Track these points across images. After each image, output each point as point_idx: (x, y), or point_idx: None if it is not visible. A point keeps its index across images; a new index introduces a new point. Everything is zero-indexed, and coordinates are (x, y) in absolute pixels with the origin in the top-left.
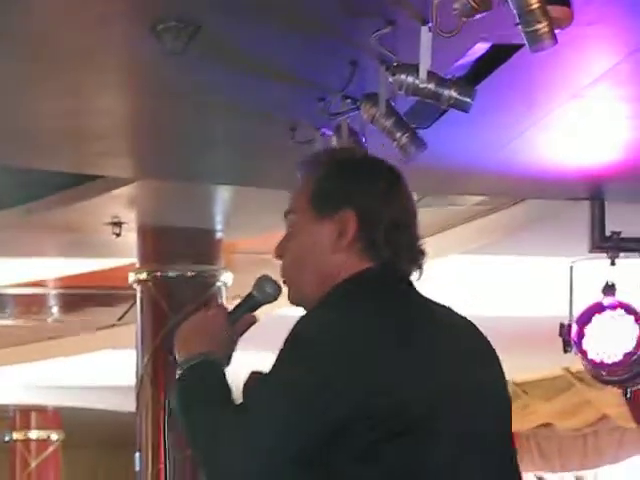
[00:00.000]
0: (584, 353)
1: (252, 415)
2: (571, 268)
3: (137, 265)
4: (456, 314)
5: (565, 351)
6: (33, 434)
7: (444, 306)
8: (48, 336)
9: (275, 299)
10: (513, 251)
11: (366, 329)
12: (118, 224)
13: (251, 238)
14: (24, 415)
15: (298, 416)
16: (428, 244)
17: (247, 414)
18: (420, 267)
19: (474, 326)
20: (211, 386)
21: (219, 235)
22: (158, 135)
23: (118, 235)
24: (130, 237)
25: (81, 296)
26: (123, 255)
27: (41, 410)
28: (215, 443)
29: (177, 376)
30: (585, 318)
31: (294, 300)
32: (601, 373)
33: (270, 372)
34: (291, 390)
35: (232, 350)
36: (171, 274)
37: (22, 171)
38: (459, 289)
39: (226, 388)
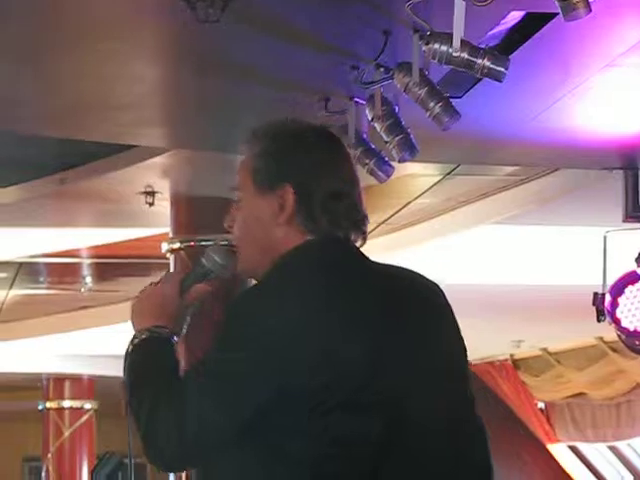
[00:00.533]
0: (618, 322)
1: (190, 385)
2: (605, 238)
3: (170, 234)
4: (411, 276)
5: (599, 320)
6: (67, 403)
7: (397, 269)
8: (81, 306)
9: (227, 269)
10: (546, 221)
11: (297, 305)
12: (151, 193)
13: None
14: (58, 384)
15: (233, 391)
16: (461, 213)
17: (186, 384)
18: (364, 234)
19: (430, 288)
20: (156, 363)
21: None
22: (191, 104)
23: (151, 204)
24: (163, 206)
25: (114, 266)
26: (156, 225)
27: (75, 379)
28: (154, 413)
29: (125, 350)
30: (619, 287)
31: (242, 271)
32: (635, 342)
33: (211, 348)
34: (226, 367)
35: (184, 320)
36: (204, 243)
37: (56, 141)
38: (492, 259)
39: (170, 364)
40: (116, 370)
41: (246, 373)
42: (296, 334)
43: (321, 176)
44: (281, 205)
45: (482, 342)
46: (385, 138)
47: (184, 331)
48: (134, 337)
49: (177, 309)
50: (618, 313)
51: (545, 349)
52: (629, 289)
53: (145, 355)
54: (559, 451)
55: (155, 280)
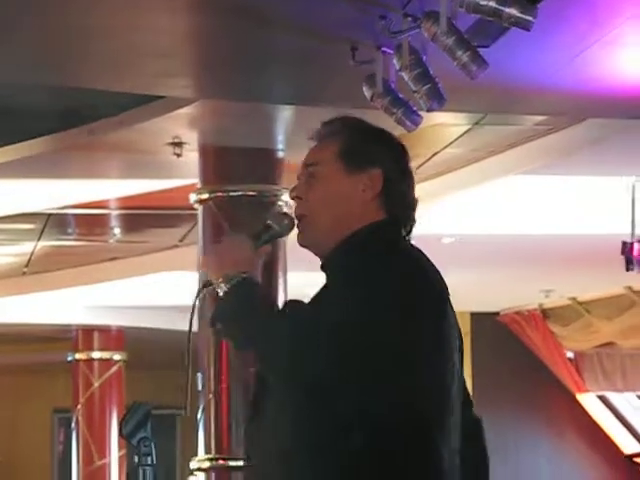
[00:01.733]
0: None
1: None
2: (633, 187)
3: (198, 185)
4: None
5: (627, 269)
6: (96, 354)
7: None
8: (110, 257)
9: (288, 233)
10: (574, 171)
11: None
12: (179, 144)
13: None
14: (87, 335)
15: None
16: (489, 163)
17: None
18: (411, 229)
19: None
20: (260, 300)
21: (280, 154)
22: (219, 54)
23: (179, 155)
24: (191, 157)
25: (143, 217)
26: (184, 176)
27: (104, 330)
28: (278, 345)
29: (221, 295)
30: None
31: (306, 240)
32: None
33: (327, 301)
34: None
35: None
36: (232, 194)
37: (84, 91)
38: (520, 209)
39: (270, 301)
40: (145, 321)
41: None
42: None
43: (401, 169)
44: (367, 186)
45: (511, 292)
46: (413, 87)
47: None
48: (225, 280)
49: (254, 264)
50: None
51: (574, 298)
52: None
53: (247, 296)
54: (588, 401)
55: (184, 230)
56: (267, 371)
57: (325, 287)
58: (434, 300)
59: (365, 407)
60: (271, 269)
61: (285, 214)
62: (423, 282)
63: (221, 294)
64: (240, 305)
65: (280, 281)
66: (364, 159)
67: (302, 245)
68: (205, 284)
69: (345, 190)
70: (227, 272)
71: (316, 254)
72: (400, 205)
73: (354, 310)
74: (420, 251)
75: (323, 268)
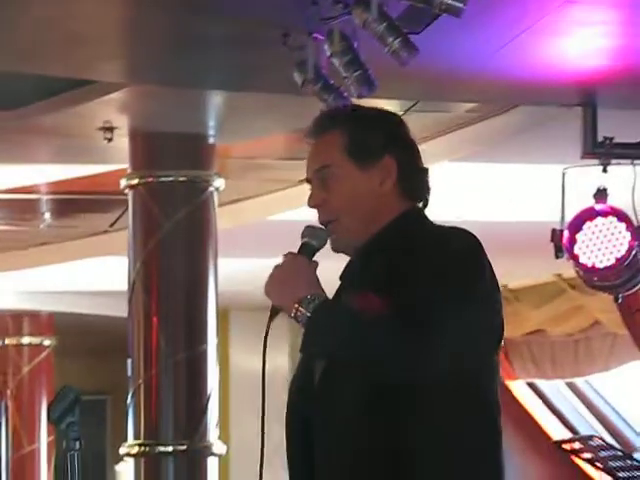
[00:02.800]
0: (576, 258)
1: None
2: (563, 174)
3: (129, 170)
4: None
5: (557, 257)
6: (26, 340)
7: None
8: (41, 242)
9: (326, 242)
10: (505, 158)
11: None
12: (110, 129)
13: (245, 143)
14: (17, 321)
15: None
16: (421, 150)
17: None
18: (427, 204)
19: None
20: (349, 311)
21: (212, 140)
22: (150, 39)
23: (110, 140)
24: (122, 142)
25: (73, 202)
26: (115, 161)
27: (34, 315)
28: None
29: (306, 318)
30: (577, 224)
31: (341, 245)
32: (592, 278)
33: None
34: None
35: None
36: (163, 179)
37: (13, 76)
38: (451, 196)
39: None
40: (75, 306)
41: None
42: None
43: (413, 152)
44: (384, 177)
45: None
46: (344, 73)
47: None
48: (304, 303)
49: (315, 281)
50: (576, 249)
51: (504, 286)
52: (587, 225)
53: (333, 311)
54: (518, 388)
55: (115, 216)
56: (383, 375)
57: (388, 276)
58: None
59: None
60: (200, 255)
61: (316, 227)
62: (484, 265)
63: (306, 317)
64: (337, 321)
65: (211, 268)
66: (372, 151)
67: (337, 251)
68: (274, 312)
69: (364, 188)
70: (301, 295)
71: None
72: (418, 184)
73: (454, 297)
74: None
75: (349, 269)
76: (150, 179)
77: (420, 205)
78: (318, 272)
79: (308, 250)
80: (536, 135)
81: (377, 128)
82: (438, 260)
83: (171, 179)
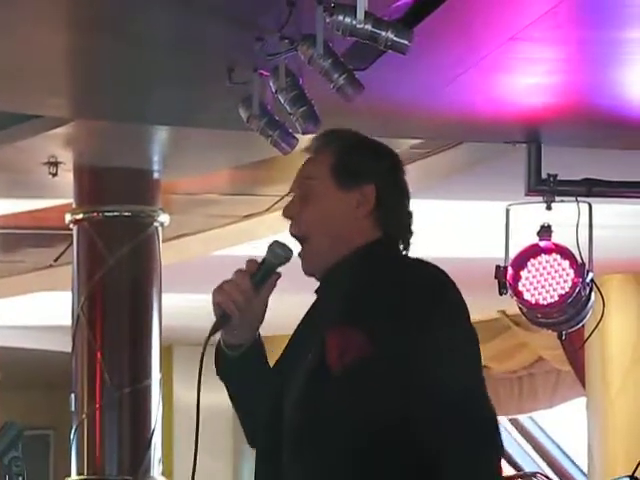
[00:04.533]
0: (519, 295)
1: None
2: (507, 211)
3: (73, 205)
4: None
5: (501, 293)
6: None
7: None
8: None
9: (288, 260)
10: (449, 195)
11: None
12: (55, 164)
13: (189, 179)
14: None
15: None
16: None
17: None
18: (409, 245)
19: None
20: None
21: (157, 175)
22: (95, 74)
23: (55, 175)
24: (67, 177)
25: (17, 236)
26: (60, 195)
27: None
28: None
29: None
30: (520, 260)
31: (310, 268)
32: (536, 315)
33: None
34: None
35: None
36: (108, 214)
37: None
38: None
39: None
40: (19, 341)
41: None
42: None
43: (394, 184)
44: (361, 202)
45: None
46: (289, 110)
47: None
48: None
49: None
50: (520, 286)
51: None
52: (531, 262)
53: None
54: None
55: (59, 250)
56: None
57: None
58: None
59: None
60: (145, 290)
61: (280, 243)
62: (459, 299)
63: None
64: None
65: (155, 303)
66: (357, 175)
67: (308, 274)
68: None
69: (339, 208)
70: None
71: (318, 280)
72: (395, 220)
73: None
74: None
75: (320, 289)
76: (95, 214)
77: (400, 244)
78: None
79: (265, 266)
80: (481, 172)
81: (368, 155)
82: (400, 299)
83: (116, 214)
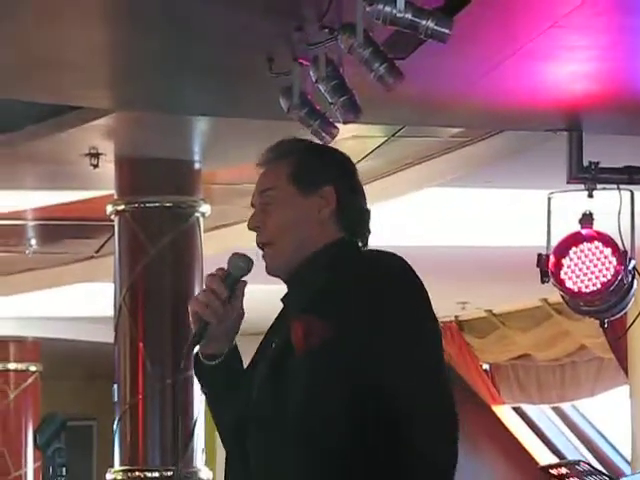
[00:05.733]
0: (561, 283)
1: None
2: (549, 199)
3: (115, 196)
4: None
5: (543, 282)
6: (12, 365)
7: None
8: (27, 268)
9: (249, 271)
10: (491, 183)
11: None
12: (96, 155)
13: (229, 169)
14: (2, 346)
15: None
16: (405, 176)
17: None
18: (367, 242)
19: None
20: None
21: (197, 166)
22: (136, 65)
23: (96, 166)
24: (108, 168)
25: (59, 228)
26: (101, 187)
27: (20, 341)
28: None
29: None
30: (562, 249)
31: (272, 269)
32: (579, 303)
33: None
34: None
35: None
36: (149, 205)
37: (1, 101)
38: (436, 221)
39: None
40: (61, 332)
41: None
42: None
43: (352, 186)
44: (322, 205)
45: None
46: (329, 99)
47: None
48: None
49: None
50: (562, 274)
51: (490, 311)
52: (573, 250)
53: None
54: (504, 413)
55: (101, 242)
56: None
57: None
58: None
59: None
60: (187, 280)
61: (239, 254)
62: (416, 283)
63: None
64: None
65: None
66: (315, 179)
67: (270, 274)
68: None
69: (302, 213)
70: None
71: (284, 281)
72: (355, 219)
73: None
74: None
75: (287, 293)
76: (136, 205)
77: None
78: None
79: (230, 279)
80: (521, 160)
81: (323, 160)
82: (369, 286)
83: (157, 205)
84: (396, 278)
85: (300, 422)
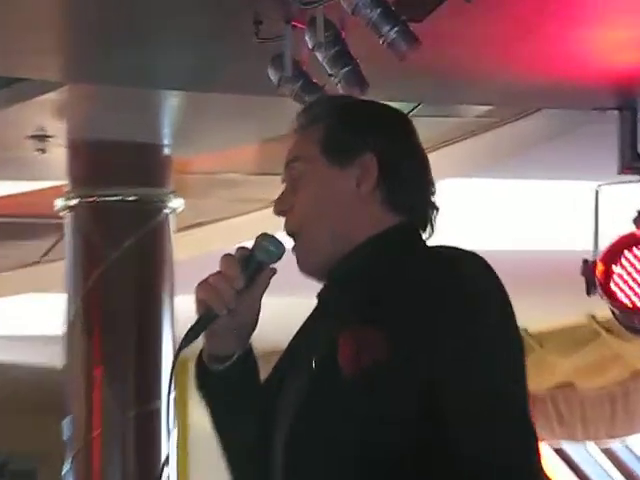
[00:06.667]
0: (612, 295)
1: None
2: (596, 193)
3: (66, 188)
4: None
5: (589, 294)
6: None
7: None
8: None
9: (279, 258)
10: (524, 174)
11: None
12: (43, 138)
13: (208, 155)
14: None
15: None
16: None
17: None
18: (433, 225)
19: None
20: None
21: (167, 151)
22: (94, 28)
23: (43, 151)
24: (58, 154)
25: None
26: (49, 176)
27: None
28: None
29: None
30: (613, 253)
31: (306, 268)
32: (632, 320)
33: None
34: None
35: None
36: (108, 199)
37: None
38: (459, 219)
39: None
40: (4, 353)
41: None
42: None
43: (404, 150)
44: (360, 178)
45: None
46: (329, 70)
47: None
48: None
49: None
50: (612, 285)
51: (525, 330)
52: (625, 256)
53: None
54: (542, 453)
55: (49, 244)
56: None
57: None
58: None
59: None
60: (154, 292)
61: (269, 235)
62: (506, 297)
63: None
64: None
65: (166, 307)
66: (352, 145)
67: (305, 273)
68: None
69: (334, 188)
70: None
71: (321, 281)
72: (409, 195)
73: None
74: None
75: (325, 292)
76: (92, 199)
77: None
78: None
79: (252, 264)
80: (562, 146)
81: (362, 120)
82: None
83: (118, 198)
84: (473, 288)
85: (353, 459)
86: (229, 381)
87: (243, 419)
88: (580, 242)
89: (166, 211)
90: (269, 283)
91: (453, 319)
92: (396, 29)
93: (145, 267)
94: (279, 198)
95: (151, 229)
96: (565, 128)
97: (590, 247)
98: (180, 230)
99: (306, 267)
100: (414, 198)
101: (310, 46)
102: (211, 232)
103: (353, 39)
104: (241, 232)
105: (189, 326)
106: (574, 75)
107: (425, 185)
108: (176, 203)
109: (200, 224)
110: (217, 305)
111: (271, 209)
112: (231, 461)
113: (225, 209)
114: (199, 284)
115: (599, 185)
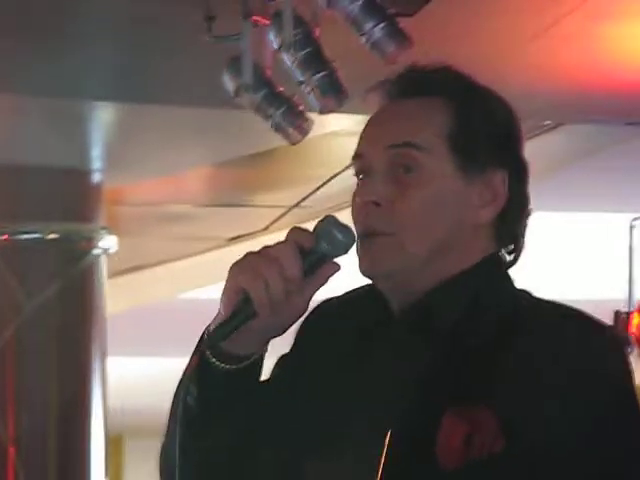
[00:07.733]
0: None
1: None
2: (631, 228)
3: None
4: None
5: None
6: None
7: None
8: None
9: (346, 251)
10: (543, 204)
11: None
12: None
13: (147, 183)
14: None
15: None
16: None
17: None
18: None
19: None
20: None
21: (97, 178)
22: (6, 26)
23: None
24: None
25: None
26: None
27: None
28: None
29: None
30: None
31: (384, 267)
32: None
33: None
34: None
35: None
36: (26, 237)
37: None
38: None
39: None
40: None
41: None
42: None
43: (524, 170)
44: (486, 198)
45: None
46: (299, 77)
47: None
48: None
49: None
50: None
51: None
52: None
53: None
54: None
55: None
56: None
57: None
58: None
59: None
60: (80, 353)
61: (338, 221)
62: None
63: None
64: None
65: (95, 373)
66: (483, 153)
67: (370, 273)
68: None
69: (455, 202)
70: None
71: (389, 290)
72: (519, 227)
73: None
74: None
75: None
76: (4, 237)
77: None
78: None
79: (313, 254)
80: (589, 168)
81: (501, 122)
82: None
83: (37, 236)
84: (616, 363)
85: None
86: (236, 384)
87: (246, 428)
88: (611, 289)
89: (96, 251)
90: (327, 281)
91: (618, 420)
92: (381, 26)
93: (70, 321)
94: (372, 186)
95: (78, 274)
96: (590, 147)
97: (622, 296)
98: (113, 276)
99: (383, 267)
100: (520, 231)
101: (275, 46)
102: (152, 278)
103: (329, 38)
104: (188, 278)
105: (218, 321)
106: (598, 83)
107: (527, 214)
108: (108, 242)
109: (138, 267)
110: (261, 301)
111: (225, 250)
112: (202, 467)
113: (168, 249)
114: (240, 263)
115: (634, 219)
